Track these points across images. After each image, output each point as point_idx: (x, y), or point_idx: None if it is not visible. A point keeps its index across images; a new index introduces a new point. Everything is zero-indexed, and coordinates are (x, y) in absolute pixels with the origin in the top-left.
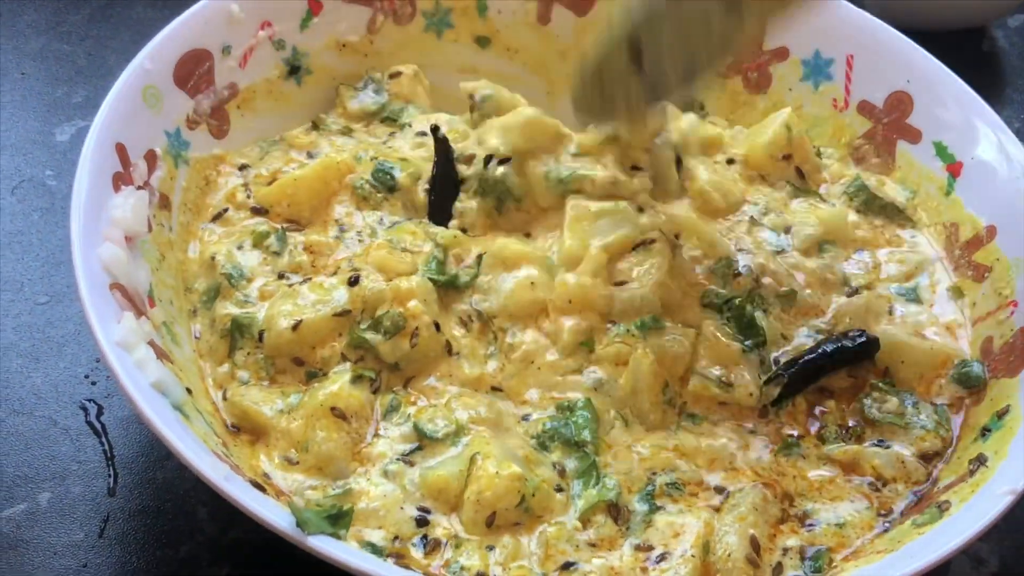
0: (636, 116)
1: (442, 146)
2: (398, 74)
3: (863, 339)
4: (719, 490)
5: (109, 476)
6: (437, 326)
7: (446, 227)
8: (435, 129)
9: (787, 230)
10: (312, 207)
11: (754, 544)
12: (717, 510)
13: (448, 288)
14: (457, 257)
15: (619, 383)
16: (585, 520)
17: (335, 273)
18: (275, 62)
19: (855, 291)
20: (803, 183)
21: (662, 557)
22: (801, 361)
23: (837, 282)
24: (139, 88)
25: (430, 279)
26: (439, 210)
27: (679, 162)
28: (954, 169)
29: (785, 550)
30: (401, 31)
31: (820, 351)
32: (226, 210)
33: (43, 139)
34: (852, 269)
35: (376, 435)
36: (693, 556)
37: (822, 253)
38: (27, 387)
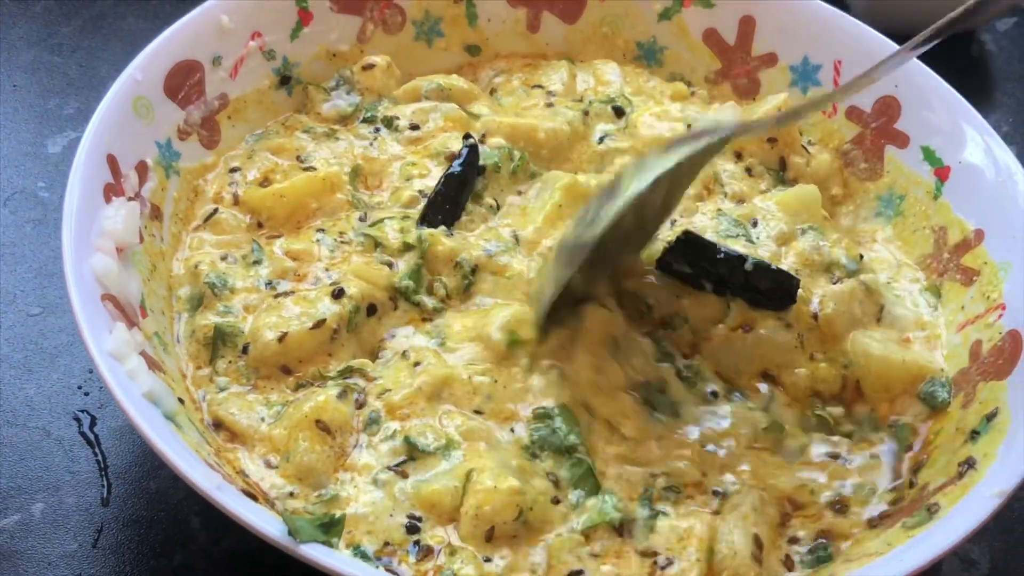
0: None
1: (471, 156)
2: (371, 66)
3: (779, 283)
4: (716, 493)
5: (102, 486)
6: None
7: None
8: (466, 136)
9: (754, 223)
10: (295, 220)
11: (757, 542)
12: (716, 512)
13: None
14: (433, 262)
15: (575, 359)
16: (587, 535)
17: (316, 282)
18: (266, 72)
19: (838, 280)
20: (786, 174)
21: (668, 562)
22: (696, 238)
23: (822, 265)
24: (130, 99)
25: (400, 287)
26: (436, 213)
27: (620, 112)
28: (942, 173)
29: (791, 540)
30: (391, 40)
31: (732, 254)
32: (216, 211)
33: (35, 151)
34: (839, 257)
35: (358, 447)
36: (699, 560)
37: (802, 237)
38: (20, 398)
